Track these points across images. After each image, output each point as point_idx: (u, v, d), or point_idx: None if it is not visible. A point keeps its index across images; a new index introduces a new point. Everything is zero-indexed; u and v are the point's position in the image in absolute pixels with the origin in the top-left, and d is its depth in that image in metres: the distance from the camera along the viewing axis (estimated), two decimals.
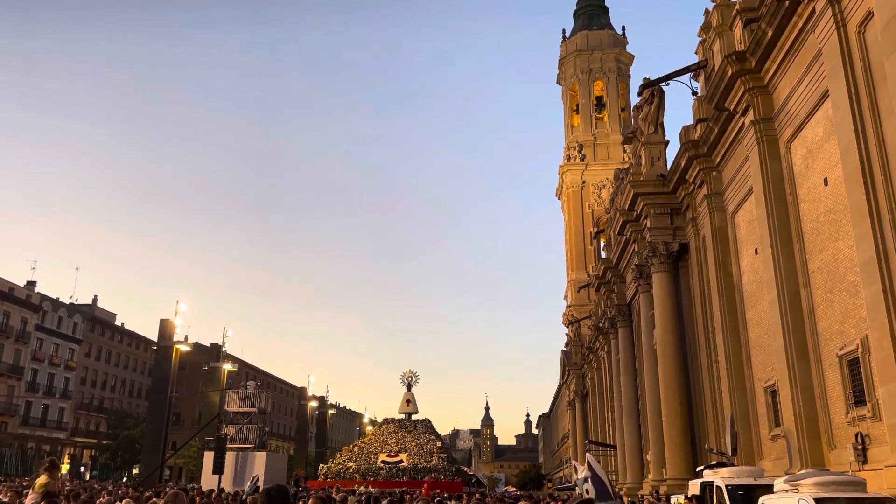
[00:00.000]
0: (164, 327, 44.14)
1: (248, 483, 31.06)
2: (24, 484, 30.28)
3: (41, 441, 76.36)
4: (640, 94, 35.18)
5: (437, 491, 32.31)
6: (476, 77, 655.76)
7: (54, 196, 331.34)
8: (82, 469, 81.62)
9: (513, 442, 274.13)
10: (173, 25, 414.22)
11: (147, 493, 22.22)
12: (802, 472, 14.74)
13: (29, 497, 14.56)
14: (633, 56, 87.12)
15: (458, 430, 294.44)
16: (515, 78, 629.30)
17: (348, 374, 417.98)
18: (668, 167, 32.60)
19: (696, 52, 30.71)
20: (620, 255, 42.38)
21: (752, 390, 24.89)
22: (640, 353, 37.81)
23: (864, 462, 16.59)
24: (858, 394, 17.33)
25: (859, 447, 16.77)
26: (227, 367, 56.10)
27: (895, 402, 14.71)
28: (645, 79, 33.99)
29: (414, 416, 55.96)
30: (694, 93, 31.01)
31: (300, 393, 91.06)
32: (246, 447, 42.57)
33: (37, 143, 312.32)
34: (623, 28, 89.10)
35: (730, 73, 22.69)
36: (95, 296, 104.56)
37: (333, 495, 24.17)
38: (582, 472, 15.21)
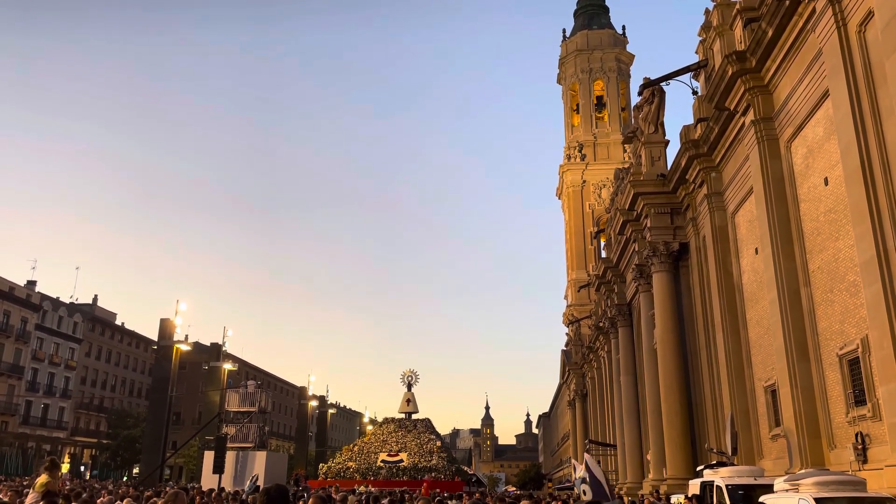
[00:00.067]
0: (165, 327, 44.17)
1: (248, 482, 31.04)
2: (25, 483, 30.28)
3: (41, 440, 76.38)
4: (640, 93, 35.17)
5: (438, 490, 32.32)
6: (476, 77, 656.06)
7: (54, 196, 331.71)
8: (83, 468, 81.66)
9: (513, 441, 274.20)
10: (173, 25, 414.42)
11: (147, 493, 22.22)
12: (802, 471, 14.74)
13: (29, 496, 14.55)
14: (634, 56, 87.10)
15: (458, 430, 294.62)
16: (515, 78, 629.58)
17: (348, 373, 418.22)
18: (669, 167, 32.59)
19: (696, 52, 30.71)
20: (620, 255, 42.37)
21: (753, 390, 24.88)
22: (641, 352, 37.81)
23: (865, 462, 16.58)
24: (858, 393, 17.32)
25: (859, 447, 16.76)
26: (228, 366, 56.14)
27: (895, 401, 14.71)
28: (645, 78, 33.99)
29: (414, 416, 55.98)
30: (694, 92, 31.01)
31: (300, 392, 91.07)
32: (246, 447, 42.58)
33: (37, 143, 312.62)
34: (623, 28, 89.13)
35: (730, 72, 22.68)
36: (95, 295, 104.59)
37: (333, 494, 24.18)
38: (579, 472, 15.16)
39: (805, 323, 20.03)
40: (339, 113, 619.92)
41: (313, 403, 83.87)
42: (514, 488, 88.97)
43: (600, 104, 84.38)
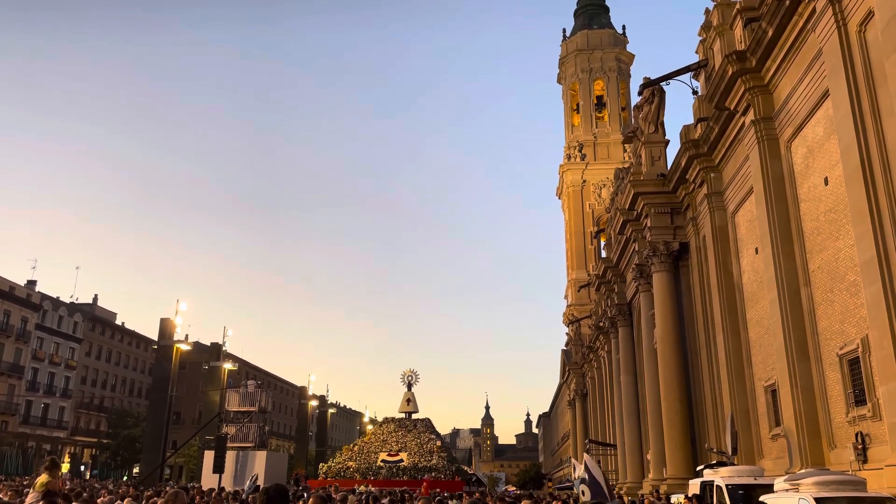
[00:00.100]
0: (165, 326, 44.16)
1: (248, 482, 31.04)
2: (25, 483, 30.27)
3: (41, 440, 76.40)
4: (640, 93, 35.17)
5: (438, 490, 32.34)
6: (476, 77, 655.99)
7: (55, 195, 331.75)
8: (83, 468, 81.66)
9: (513, 441, 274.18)
10: (173, 25, 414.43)
11: (147, 493, 22.21)
12: (803, 471, 14.74)
13: (29, 496, 14.56)
14: (634, 55, 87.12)
15: (458, 430, 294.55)
16: (515, 78, 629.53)
17: (348, 373, 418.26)
18: (669, 166, 32.59)
19: (696, 52, 30.71)
20: (621, 255, 42.38)
21: (753, 389, 24.88)
22: (641, 352, 37.81)
23: (865, 461, 16.59)
24: (859, 393, 17.33)
25: (859, 447, 16.76)
26: (228, 366, 56.18)
27: (895, 401, 14.71)
28: (645, 78, 34.00)
29: (414, 416, 55.99)
30: (694, 92, 31.01)
31: (300, 392, 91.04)
32: (246, 446, 42.58)
33: (37, 143, 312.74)
34: (623, 27, 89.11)
35: (730, 72, 22.68)
36: (96, 295, 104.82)
37: (332, 494, 24.18)
38: (579, 472, 15.13)
39: (805, 323, 20.03)
40: (339, 113, 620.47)
41: (313, 403, 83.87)
42: (514, 488, 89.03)
43: (600, 104, 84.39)
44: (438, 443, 52.87)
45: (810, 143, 20.13)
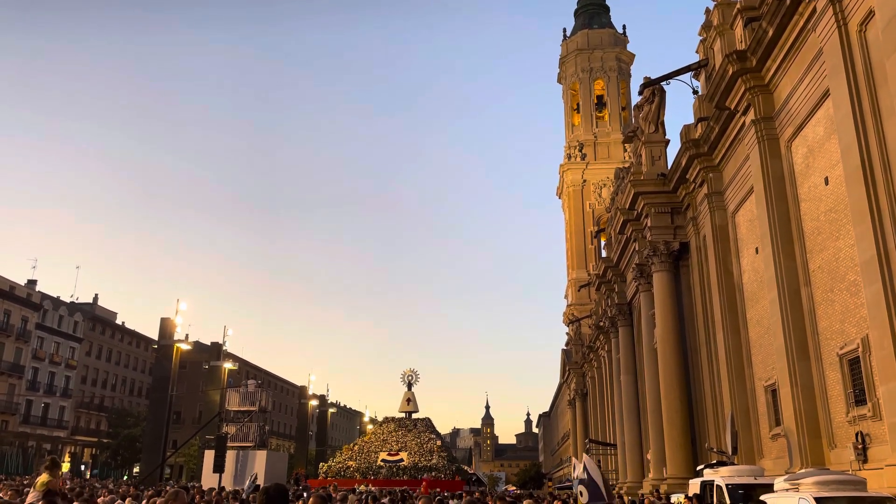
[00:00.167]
0: (165, 326, 44.22)
1: (248, 481, 31.05)
2: (25, 483, 30.27)
3: (42, 440, 76.42)
4: (640, 92, 35.16)
5: (438, 490, 32.34)
6: (476, 76, 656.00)
7: (55, 195, 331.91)
8: (83, 468, 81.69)
9: (513, 441, 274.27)
10: (173, 25, 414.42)
11: (148, 492, 22.21)
12: (803, 471, 14.74)
13: (30, 496, 14.57)
14: (634, 55, 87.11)
15: (458, 429, 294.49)
16: (516, 77, 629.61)
17: (348, 373, 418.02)
18: (669, 166, 32.59)
19: (696, 51, 30.70)
20: (621, 254, 42.38)
21: (753, 389, 24.88)
22: (641, 351, 37.81)
23: (865, 461, 16.58)
24: (859, 393, 17.33)
25: (860, 446, 16.76)
26: (228, 365, 56.21)
27: (895, 401, 14.71)
28: (646, 77, 33.99)
29: (414, 415, 56.04)
30: (695, 92, 31.01)
31: (300, 392, 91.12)
32: (246, 446, 42.61)
33: (37, 143, 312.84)
34: (624, 27, 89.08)
35: (730, 72, 22.67)
36: (96, 294, 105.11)
37: (331, 493, 24.18)
38: (578, 471, 15.08)
39: (805, 322, 20.03)
40: (338, 113, 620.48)
41: (313, 403, 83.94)
42: (515, 487, 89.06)
43: (601, 103, 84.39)
44: (438, 442, 52.92)
45: (811, 142, 20.13)
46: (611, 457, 49.38)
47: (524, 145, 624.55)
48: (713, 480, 18.05)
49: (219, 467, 35.67)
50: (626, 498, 33.64)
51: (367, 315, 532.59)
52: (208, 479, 36.70)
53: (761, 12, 21.67)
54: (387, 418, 56.86)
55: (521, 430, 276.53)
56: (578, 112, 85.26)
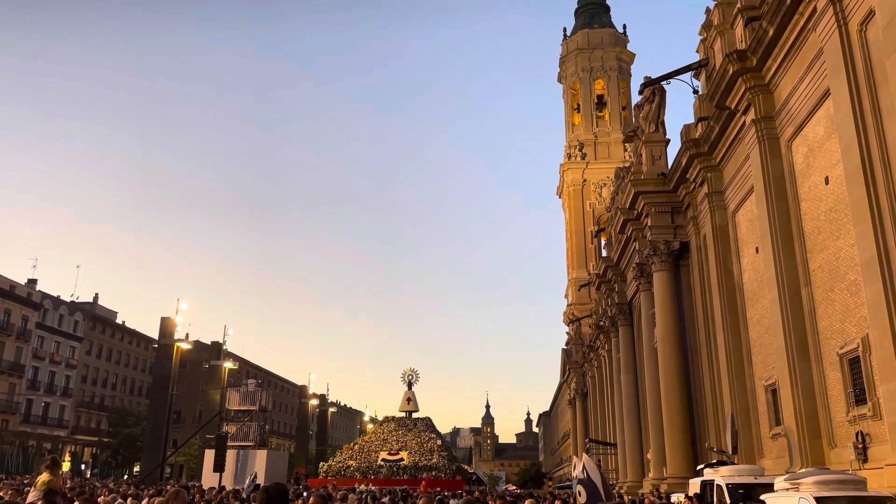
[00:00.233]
0: (165, 325, 44.27)
1: (248, 480, 31.08)
2: (26, 482, 30.28)
3: (42, 439, 76.45)
4: (640, 92, 35.16)
5: (438, 489, 32.36)
6: (476, 75, 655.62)
7: (55, 194, 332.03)
8: (83, 467, 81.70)
9: (513, 440, 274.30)
10: (173, 25, 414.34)
11: (148, 491, 22.23)
12: (803, 470, 14.75)
13: (30, 495, 14.57)
14: (634, 54, 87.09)
15: (458, 429, 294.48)
16: (516, 76, 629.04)
17: (349, 372, 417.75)
18: (669, 166, 32.59)
19: (697, 51, 30.71)
20: (621, 254, 42.39)
21: (753, 389, 24.89)
22: (641, 351, 37.82)
23: (865, 461, 16.59)
24: (859, 392, 17.34)
25: (860, 446, 16.77)
26: (228, 365, 56.27)
27: (895, 400, 14.71)
28: (646, 77, 33.99)
29: (414, 415, 56.07)
30: (695, 91, 31.02)
31: (301, 391, 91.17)
32: (247, 445, 42.64)
33: (37, 142, 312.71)
34: (624, 26, 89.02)
35: (731, 71, 22.68)
36: (96, 294, 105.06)
37: (331, 493, 24.21)
38: (577, 471, 15.03)
39: (805, 322, 20.04)
40: (338, 113, 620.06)
41: (314, 402, 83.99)
42: (515, 487, 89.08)
43: (601, 103, 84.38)
44: (439, 442, 52.95)
45: (811, 142, 20.13)
46: (611, 456, 49.40)
47: (524, 145, 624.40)
48: (713, 480, 18.06)
49: (219, 466, 35.71)
50: (626, 497, 33.65)
51: (367, 315, 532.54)
52: (208, 479, 36.74)
53: (762, 12, 21.67)
54: (387, 418, 56.90)
55: (522, 429, 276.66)
56: (579, 111, 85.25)
